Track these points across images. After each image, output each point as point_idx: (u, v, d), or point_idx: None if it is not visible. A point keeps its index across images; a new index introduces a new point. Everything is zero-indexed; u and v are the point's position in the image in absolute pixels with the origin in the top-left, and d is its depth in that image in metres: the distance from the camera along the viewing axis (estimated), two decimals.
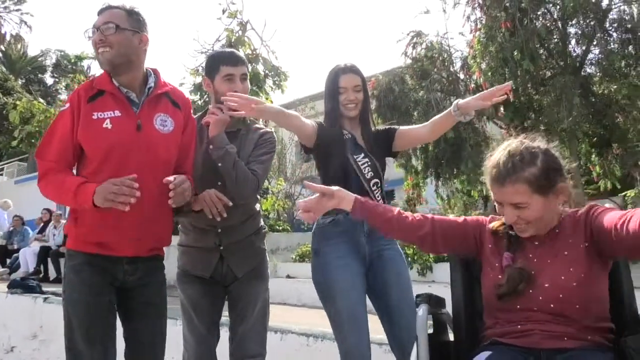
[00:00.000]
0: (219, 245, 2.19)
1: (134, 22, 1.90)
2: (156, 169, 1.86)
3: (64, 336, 1.87)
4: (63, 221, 9.76)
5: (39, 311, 5.04)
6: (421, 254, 6.97)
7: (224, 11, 7.05)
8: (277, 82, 7.80)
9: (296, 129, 2.16)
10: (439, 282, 6.63)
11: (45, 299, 5.13)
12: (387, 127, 2.37)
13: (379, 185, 2.23)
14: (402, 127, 2.34)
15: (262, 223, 2.39)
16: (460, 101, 2.11)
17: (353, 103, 2.22)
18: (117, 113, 1.86)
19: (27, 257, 9.35)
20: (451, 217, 1.69)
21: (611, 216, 1.38)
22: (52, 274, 9.11)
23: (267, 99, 7.66)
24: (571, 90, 6.86)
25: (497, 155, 1.51)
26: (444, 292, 1.63)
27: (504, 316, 1.46)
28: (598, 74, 7.24)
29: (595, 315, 1.42)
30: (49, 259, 9.19)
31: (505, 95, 2.16)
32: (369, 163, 2.20)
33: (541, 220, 1.47)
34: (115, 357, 1.92)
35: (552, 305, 1.40)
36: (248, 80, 2.22)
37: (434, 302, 1.45)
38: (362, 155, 2.20)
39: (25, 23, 28.22)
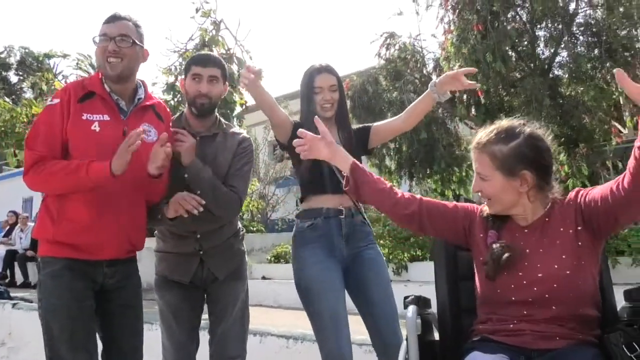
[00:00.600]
0: (199, 250, 2.18)
1: (140, 36, 1.96)
2: (136, 175, 1.88)
3: (44, 346, 1.83)
4: (30, 224, 9.49)
5: (7, 317, 4.90)
6: (397, 253, 7.04)
7: (197, 10, 6.95)
8: None
9: (263, 104, 2.14)
10: (414, 281, 6.70)
11: (13, 304, 4.99)
12: (361, 125, 2.40)
13: None
14: (376, 123, 2.37)
15: (239, 225, 2.39)
16: (437, 79, 2.17)
17: (329, 103, 2.22)
18: (106, 117, 1.89)
19: None
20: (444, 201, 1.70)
21: (603, 187, 1.42)
22: (19, 278, 8.85)
23: (241, 99, 7.59)
24: (540, 91, 7.02)
25: (492, 126, 1.56)
26: (420, 291, 1.66)
27: (500, 312, 1.47)
28: (566, 76, 7.42)
29: (589, 304, 1.43)
30: (16, 263, 8.92)
31: (477, 85, 2.24)
32: None
33: (500, 199, 1.50)
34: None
35: (547, 296, 1.41)
36: (223, 83, 2.19)
37: (422, 303, 1.46)
38: None
39: None
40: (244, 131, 2.39)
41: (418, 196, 1.66)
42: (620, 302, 1.55)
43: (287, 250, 8.41)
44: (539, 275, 1.43)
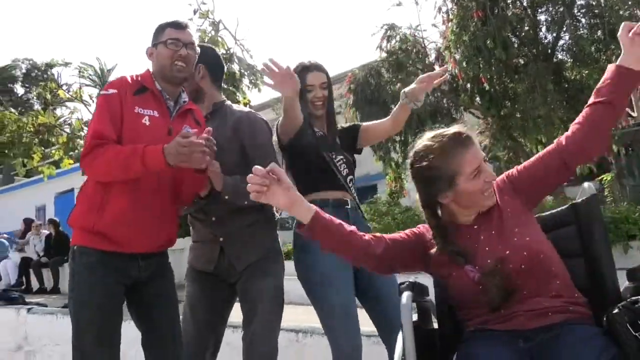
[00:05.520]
0: (218, 237, 2.15)
1: None
2: (175, 173, 1.94)
3: (71, 334, 1.87)
4: (44, 231, 9.60)
5: (22, 322, 4.98)
6: None
7: (195, 11, 6.99)
8: (253, 81, 7.76)
9: (296, 119, 2.12)
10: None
11: (28, 309, 5.07)
12: (350, 124, 2.42)
13: (353, 181, 2.26)
14: (365, 123, 2.39)
15: (272, 214, 2.29)
16: (407, 89, 2.19)
17: (320, 101, 2.24)
18: (156, 113, 1.96)
19: (9, 269, 9.18)
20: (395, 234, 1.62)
21: (543, 152, 1.56)
22: (34, 285, 8.96)
23: (244, 98, 7.62)
24: (544, 77, 6.97)
25: (440, 136, 1.53)
26: (428, 281, 1.62)
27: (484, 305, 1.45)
28: (569, 60, 7.37)
29: (558, 263, 1.47)
30: (31, 270, 9.04)
31: (448, 75, 2.28)
32: (344, 160, 2.23)
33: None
34: (119, 354, 1.93)
35: (523, 266, 1.42)
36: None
37: (418, 290, 1.45)
38: (336, 152, 2.23)
39: None
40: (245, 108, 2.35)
41: (379, 234, 1.58)
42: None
43: None
44: (507, 253, 1.43)
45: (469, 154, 1.47)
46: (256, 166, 1.43)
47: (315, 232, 1.49)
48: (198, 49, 2.07)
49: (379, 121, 2.41)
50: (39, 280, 8.83)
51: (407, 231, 1.61)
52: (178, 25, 2.02)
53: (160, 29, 2.03)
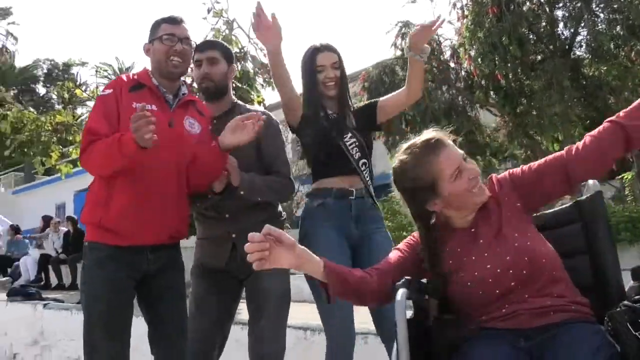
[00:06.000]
0: (231, 234, 2.15)
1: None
2: (181, 165, 1.97)
3: (83, 328, 1.91)
4: (63, 228, 9.77)
5: (39, 317, 5.07)
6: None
7: (209, 10, 7.00)
8: (267, 80, 7.77)
9: (280, 77, 2.14)
10: None
11: (44, 305, 5.16)
12: (366, 103, 2.35)
13: (367, 165, 2.20)
14: (381, 99, 2.30)
15: (279, 210, 2.32)
16: (409, 43, 2.10)
17: (332, 81, 2.19)
18: (154, 107, 1.96)
19: (28, 265, 9.37)
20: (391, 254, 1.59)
21: (551, 157, 1.49)
22: (53, 281, 9.12)
23: (258, 96, 7.64)
24: (561, 73, 6.86)
25: (411, 147, 1.51)
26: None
27: (488, 308, 1.43)
28: (587, 56, 7.24)
29: (560, 267, 1.43)
30: (50, 267, 9.20)
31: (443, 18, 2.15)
32: (357, 143, 2.17)
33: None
34: (129, 349, 1.95)
35: (524, 272, 1.39)
36: (226, 63, 2.19)
37: (414, 287, 1.43)
38: (350, 135, 2.18)
39: (12, 35, 28.20)
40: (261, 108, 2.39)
41: (376, 266, 1.54)
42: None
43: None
44: (507, 258, 1.40)
45: (442, 157, 1.45)
46: (251, 233, 1.30)
47: (333, 284, 1.43)
48: (194, 43, 2.08)
49: (395, 92, 2.32)
50: (58, 277, 8.99)
51: (402, 245, 1.59)
52: (173, 21, 2.02)
53: (156, 25, 2.03)
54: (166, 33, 1.99)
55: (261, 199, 2.11)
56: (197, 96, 2.25)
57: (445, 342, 1.47)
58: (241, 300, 2.32)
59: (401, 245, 1.59)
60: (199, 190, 2.08)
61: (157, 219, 1.94)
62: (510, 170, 1.55)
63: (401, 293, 1.32)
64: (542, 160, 1.51)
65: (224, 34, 7.40)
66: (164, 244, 2.00)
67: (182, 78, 2.15)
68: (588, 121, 8.00)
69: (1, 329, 5.39)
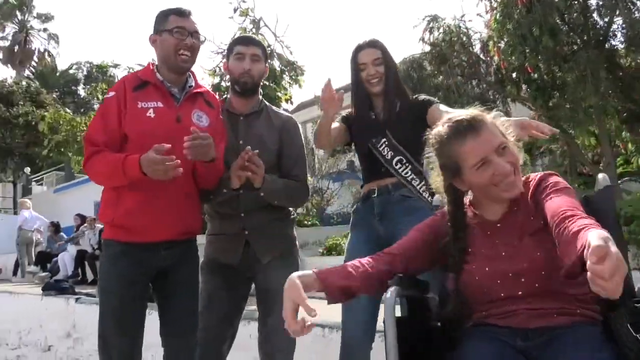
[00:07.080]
0: (244, 230, 2.17)
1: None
2: (189, 160, 1.93)
3: (97, 322, 1.96)
4: (98, 225, 10.07)
5: (71, 311, 5.25)
6: None
7: (235, 10, 7.10)
8: (294, 77, 7.81)
9: (320, 135, 2.14)
10: None
11: (77, 299, 5.34)
12: (426, 98, 2.25)
13: (404, 161, 2.15)
14: (433, 107, 2.16)
15: (289, 212, 2.33)
16: None
17: (375, 78, 2.17)
18: (160, 104, 1.97)
19: (66, 261, 9.70)
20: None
21: (553, 204, 1.28)
22: (89, 276, 9.42)
23: (285, 94, 7.67)
24: (596, 64, 6.61)
25: (450, 122, 1.41)
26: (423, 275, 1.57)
27: (489, 305, 1.39)
28: (623, 45, 6.94)
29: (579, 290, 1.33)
30: (86, 262, 9.50)
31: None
32: (387, 143, 2.16)
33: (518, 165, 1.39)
34: (142, 345, 1.99)
35: (537, 285, 1.32)
36: (264, 63, 2.22)
37: (406, 284, 1.40)
38: (380, 136, 2.17)
39: (54, 39, 29.24)
40: (286, 112, 2.41)
41: (386, 251, 1.49)
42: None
43: (339, 242, 8.41)
44: (525, 265, 1.33)
45: (469, 145, 1.35)
46: None
47: (326, 285, 1.39)
48: (203, 37, 2.06)
49: (438, 115, 2.20)
50: (93, 272, 9.25)
51: (422, 225, 1.53)
52: (182, 13, 1.98)
53: (163, 16, 1.99)
54: (177, 26, 1.95)
55: (277, 203, 2.14)
56: (224, 90, 2.26)
57: (445, 341, 1.45)
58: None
59: (421, 224, 1.54)
60: (207, 188, 2.09)
61: (168, 215, 1.95)
62: (546, 183, 1.38)
63: (391, 291, 1.30)
64: (554, 206, 1.27)
65: (251, 32, 7.49)
66: (177, 240, 2.01)
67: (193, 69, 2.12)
68: (625, 114, 7.69)
69: (37, 321, 5.61)
